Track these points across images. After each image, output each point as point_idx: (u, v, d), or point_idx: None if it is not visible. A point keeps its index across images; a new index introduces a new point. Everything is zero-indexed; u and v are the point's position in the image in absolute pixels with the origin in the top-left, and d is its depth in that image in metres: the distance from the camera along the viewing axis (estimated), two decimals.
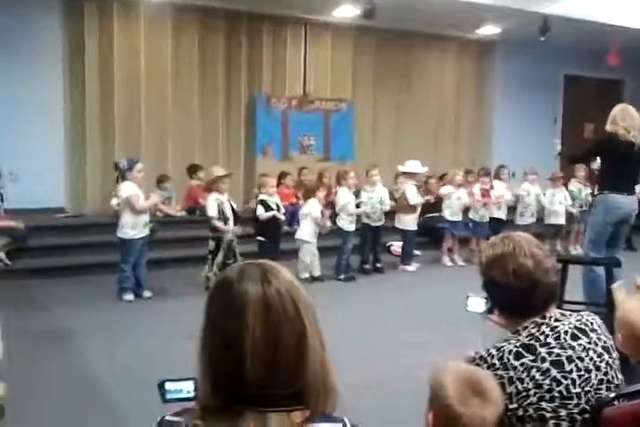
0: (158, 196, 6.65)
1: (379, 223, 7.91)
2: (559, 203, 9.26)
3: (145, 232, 6.42)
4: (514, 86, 11.73)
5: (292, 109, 10.13)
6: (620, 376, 1.95)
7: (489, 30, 10.53)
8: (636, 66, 11.83)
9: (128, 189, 6.27)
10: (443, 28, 10.58)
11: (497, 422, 1.68)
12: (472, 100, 11.92)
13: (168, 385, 1.58)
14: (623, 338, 2.39)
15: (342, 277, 7.54)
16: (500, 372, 1.86)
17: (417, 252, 8.63)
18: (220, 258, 6.37)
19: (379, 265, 8.00)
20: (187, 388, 1.57)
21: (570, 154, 6.41)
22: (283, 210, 7.38)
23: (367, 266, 7.94)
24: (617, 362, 1.96)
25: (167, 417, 1.25)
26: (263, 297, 1.20)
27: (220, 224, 6.42)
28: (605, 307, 4.45)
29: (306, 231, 7.36)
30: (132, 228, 6.31)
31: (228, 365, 1.18)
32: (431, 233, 9.05)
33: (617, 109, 5.52)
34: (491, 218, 8.79)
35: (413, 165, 8.22)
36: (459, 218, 8.60)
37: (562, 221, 9.29)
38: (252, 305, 1.19)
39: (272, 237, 7.13)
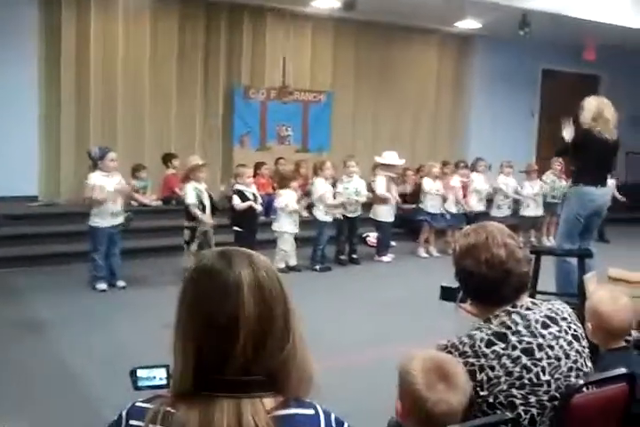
0: (127, 187, 6.53)
1: (355, 214, 7.92)
2: (534, 195, 9.36)
3: (116, 222, 6.36)
4: (492, 80, 11.79)
5: (271, 100, 10.09)
6: (589, 364, 1.98)
7: (469, 24, 10.54)
8: (612, 61, 11.93)
9: (91, 179, 6.25)
10: (423, 21, 10.58)
11: (464, 406, 1.70)
12: (451, 93, 11.96)
13: (140, 372, 1.57)
14: (593, 328, 2.43)
15: (318, 267, 7.55)
16: (471, 359, 1.88)
17: (392, 243, 8.67)
18: (194, 247, 6.34)
19: (354, 256, 8.03)
20: (159, 375, 1.56)
21: (556, 149, 6.38)
22: (260, 200, 7.36)
23: (343, 257, 7.96)
24: (587, 350, 1.99)
25: (137, 404, 1.24)
26: (255, 279, 1.21)
27: (197, 211, 6.39)
28: (577, 297, 4.51)
29: (283, 223, 7.35)
30: (99, 216, 6.28)
31: (216, 347, 1.18)
32: (407, 224, 9.08)
33: (598, 104, 5.51)
34: (465, 210, 8.85)
35: (390, 157, 8.23)
36: (438, 210, 8.64)
37: (537, 212, 9.39)
38: (247, 288, 1.19)
39: (248, 227, 7.10)
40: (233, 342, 1.17)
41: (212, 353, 1.19)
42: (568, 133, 5.73)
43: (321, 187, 7.68)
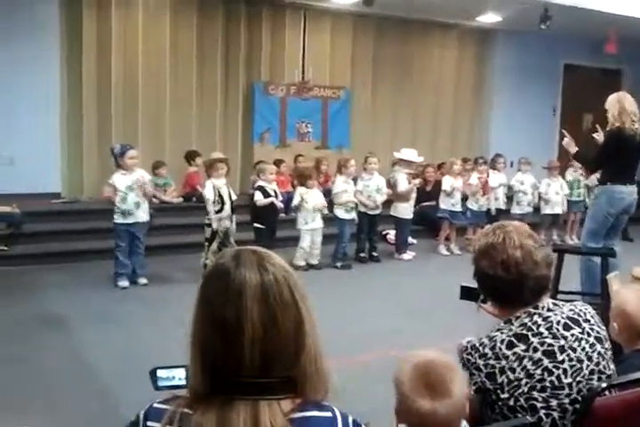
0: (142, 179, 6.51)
1: (375, 212, 7.89)
2: (555, 193, 9.24)
3: (134, 220, 6.38)
4: (513, 75, 11.68)
5: (291, 96, 10.08)
6: (611, 367, 1.95)
7: (489, 18, 10.43)
8: (635, 55, 11.77)
9: (112, 179, 6.33)
10: (442, 15, 10.50)
11: (458, 415, 1.65)
12: (471, 89, 11.87)
13: (160, 372, 1.58)
14: (619, 328, 2.40)
15: (339, 264, 7.54)
16: (491, 361, 1.86)
17: (413, 240, 8.63)
18: (215, 245, 6.37)
19: (375, 253, 8.00)
20: (179, 375, 1.57)
21: (584, 158, 6.04)
22: (280, 197, 7.36)
23: (363, 254, 7.93)
24: (609, 352, 1.96)
25: (155, 404, 1.25)
26: (261, 284, 1.19)
27: (210, 208, 6.43)
28: (600, 297, 4.46)
29: (305, 221, 7.35)
30: (118, 214, 6.32)
31: (223, 351, 1.18)
32: (428, 222, 9.04)
33: (622, 100, 5.40)
34: (488, 208, 8.78)
35: (409, 153, 8.19)
36: (459, 208, 8.58)
37: (558, 210, 9.27)
38: (250, 291, 1.18)
39: (269, 223, 7.10)
40: (238, 347, 1.16)
41: (219, 356, 1.18)
42: (570, 146, 5.77)
43: (339, 185, 7.65)
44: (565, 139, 5.85)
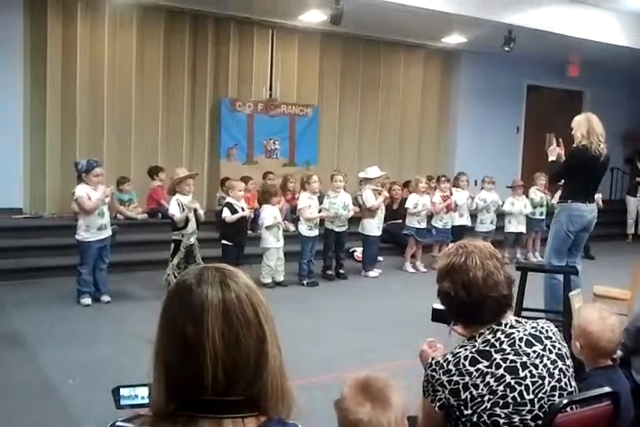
0: (108, 190, 6.38)
1: (342, 229, 7.91)
2: (519, 211, 9.37)
3: (103, 235, 6.28)
4: (477, 95, 11.89)
5: (258, 113, 10.11)
6: (573, 383, 1.97)
7: (454, 39, 10.64)
8: (595, 77, 12.09)
9: (79, 190, 6.14)
10: (409, 35, 10.69)
11: (400, 423, 1.66)
12: (436, 108, 12.04)
13: (123, 391, 1.56)
14: (581, 346, 2.44)
15: (305, 282, 7.53)
16: (455, 377, 1.88)
17: (380, 258, 8.66)
18: (176, 261, 6.31)
19: (341, 271, 8.00)
20: (141, 394, 1.55)
21: (553, 168, 5.90)
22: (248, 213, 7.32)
23: (330, 272, 7.93)
24: (571, 369, 1.99)
25: (118, 423, 1.23)
26: (222, 302, 1.18)
27: (178, 216, 6.37)
28: (563, 314, 4.52)
29: (268, 239, 7.34)
30: (86, 230, 6.18)
31: (185, 370, 1.16)
32: (394, 239, 9.10)
33: (590, 121, 5.47)
34: (453, 225, 8.86)
35: (373, 171, 8.26)
36: (424, 225, 8.64)
37: (522, 228, 9.40)
38: (212, 309, 1.17)
39: (237, 240, 7.06)
40: (200, 366, 1.15)
41: (181, 375, 1.17)
42: (552, 153, 5.76)
43: (303, 201, 7.67)
44: (551, 146, 5.79)
